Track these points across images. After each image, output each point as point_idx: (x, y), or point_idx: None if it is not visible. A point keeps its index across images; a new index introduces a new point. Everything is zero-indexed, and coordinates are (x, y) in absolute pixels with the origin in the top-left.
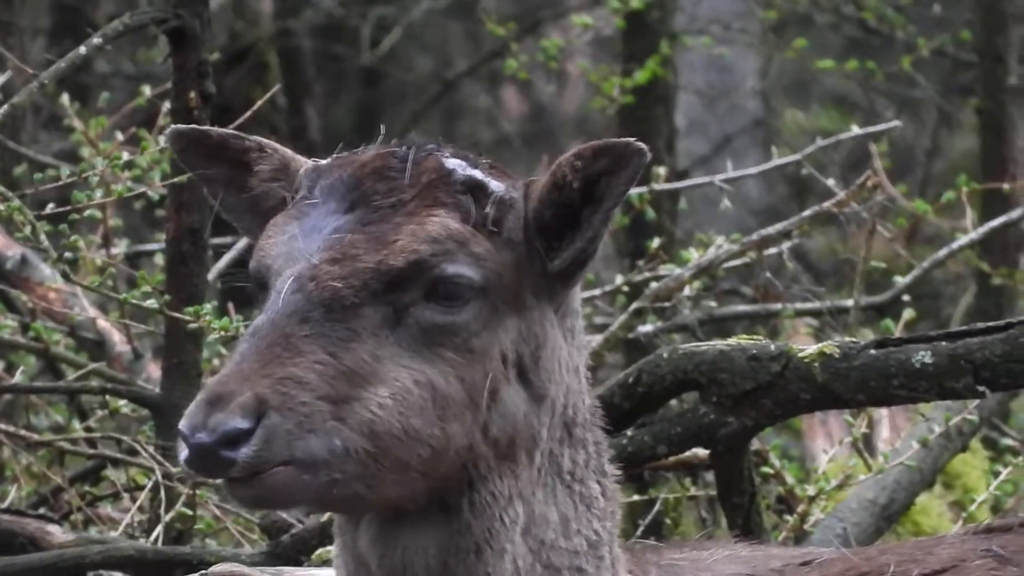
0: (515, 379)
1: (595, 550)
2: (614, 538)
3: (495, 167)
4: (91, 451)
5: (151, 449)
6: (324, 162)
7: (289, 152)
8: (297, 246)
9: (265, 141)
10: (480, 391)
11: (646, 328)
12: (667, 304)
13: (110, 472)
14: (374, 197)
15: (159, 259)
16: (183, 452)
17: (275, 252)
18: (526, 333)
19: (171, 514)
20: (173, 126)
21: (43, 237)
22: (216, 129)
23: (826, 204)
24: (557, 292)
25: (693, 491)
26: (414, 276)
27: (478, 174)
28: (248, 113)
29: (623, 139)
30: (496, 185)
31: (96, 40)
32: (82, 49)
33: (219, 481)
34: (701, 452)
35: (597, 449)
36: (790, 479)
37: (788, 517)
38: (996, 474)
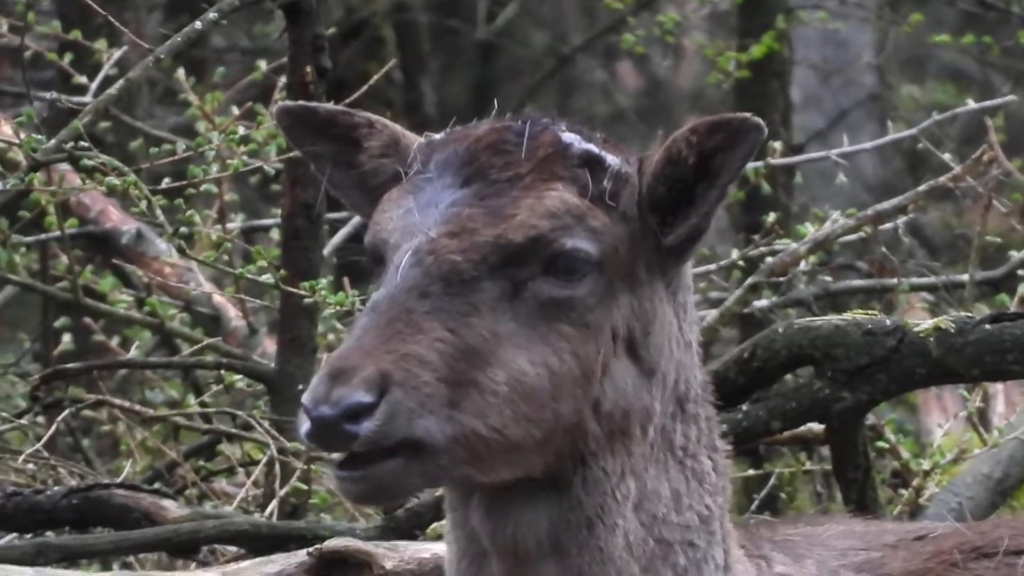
0: (624, 354)
1: (706, 525)
2: (725, 513)
3: (608, 141)
4: (206, 426)
5: (266, 424)
6: (438, 136)
7: (399, 128)
8: (414, 220)
9: (374, 117)
10: (593, 366)
11: (761, 303)
12: (782, 279)
13: (225, 447)
14: (490, 171)
15: (275, 234)
16: (304, 425)
17: (391, 226)
18: (637, 309)
19: (286, 489)
20: (280, 103)
21: (159, 212)
22: (324, 105)
23: (941, 179)
24: (669, 267)
25: (808, 466)
26: (533, 251)
27: (594, 148)
28: (364, 88)
29: (739, 114)
30: (612, 159)
31: (212, 15)
32: (198, 24)
33: (332, 470)
34: (816, 427)
35: (708, 424)
36: (905, 453)
37: (903, 491)
38: None
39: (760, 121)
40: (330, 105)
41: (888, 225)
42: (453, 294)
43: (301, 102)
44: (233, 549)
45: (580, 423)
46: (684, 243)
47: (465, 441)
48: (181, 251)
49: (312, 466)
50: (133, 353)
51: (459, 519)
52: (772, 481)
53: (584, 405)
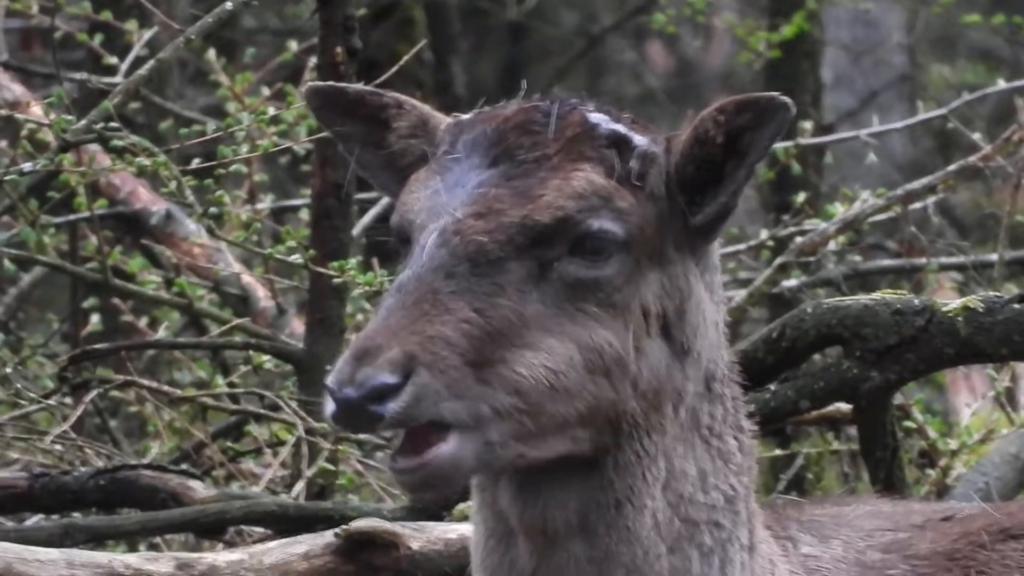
0: (657, 333)
1: (732, 505)
2: (750, 493)
3: (636, 121)
4: (234, 407)
5: (294, 405)
6: (466, 117)
7: (427, 108)
8: (440, 201)
9: (403, 97)
10: (625, 345)
11: (790, 282)
12: (812, 258)
13: (252, 428)
14: (518, 152)
15: (304, 214)
16: (329, 406)
17: (418, 207)
18: (669, 287)
19: (313, 469)
20: (310, 83)
21: (188, 192)
22: (353, 86)
23: (971, 158)
24: (698, 246)
25: (835, 445)
26: (560, 232)
27: (621, 128)
28: (394, 68)
29: (767, 93)
30: (639, 139)
31: None
32: (228, 4)
33: (365, 436)
34: (844, 407)
35: (734, 404)
36: (933, 433)
37: (930, 471)
38: None
39: (788, 100)
40: (359, 85)
41: (918, 205)
42: (479, 275)
43: (330, 82)
44: (260, 530)
45: (619, 401)
46: (712, 222)
47: (506, 414)
48: (211, 231)
49: (339, 447)
50: (161, 334)
51: (487, 499)
52: (799, 461)
53: (622, 383)
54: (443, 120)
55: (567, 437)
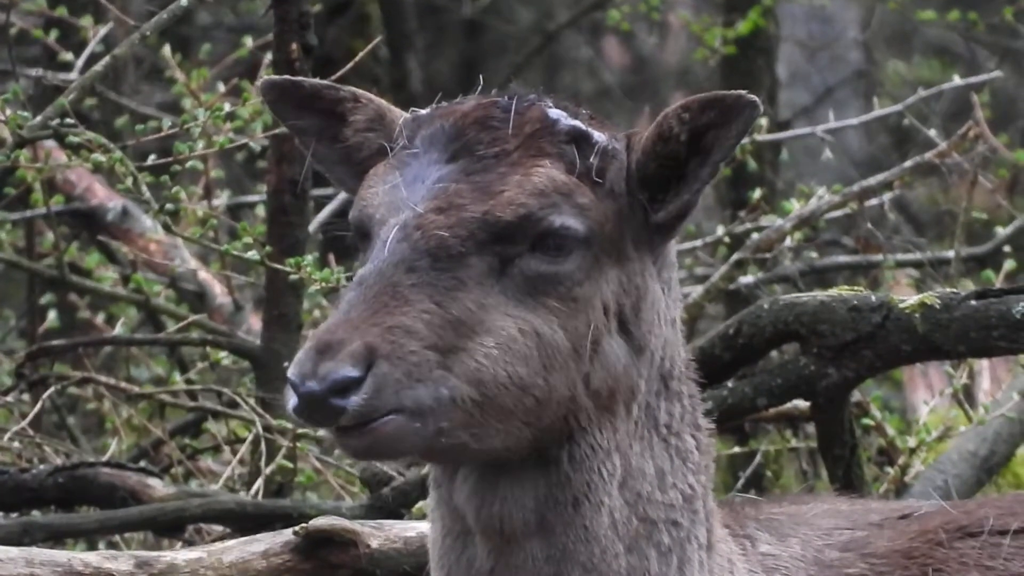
0: (616, 330)
1: (690, 504)
2: (708, 492)
3: (594, 118)
4: (192, 403)
5: (252, 401)
6: (424, 112)
7: (384, 102)
8: (400, 195)
9: (360, 91)
10: (583, 341)
11: (747, 279)
12: (768, 255)
13: (211, 425)
14: (477, 147)
15: (260, 210)
16: (291, 400)
17: (377, 201)
18: (627, 284)
19: (271, 467)
20: (265, 77)
21: (144, 188)
22: (309, 80)
23: (927, 155)
24: (657, 243)
25: (794, 443)
26: (521, 229)
27: (581, 124)
28: (349, 65)
29: (733, 91)
30: (599, 136)
31: None
32: (183, 1)
33: (325, 432)
34: (802, 404)
35: (692, 402)
36: (891, 431)
37: (889, 469)
38: None
39: (755, 98)
40: (315, 80)
41: (874, 201)
42: (440, 269)
43: (286, 76)
44: (219, 528)
45: (573, 397)
46: (673, 219)
47: (461, 403)
48: (167, 228)
49: (298, 444)
50: (119, 330)
51: (443, 496)
52: (758, 458)
53: (576, 379)
54: (400, 114)
55: (511, 432)
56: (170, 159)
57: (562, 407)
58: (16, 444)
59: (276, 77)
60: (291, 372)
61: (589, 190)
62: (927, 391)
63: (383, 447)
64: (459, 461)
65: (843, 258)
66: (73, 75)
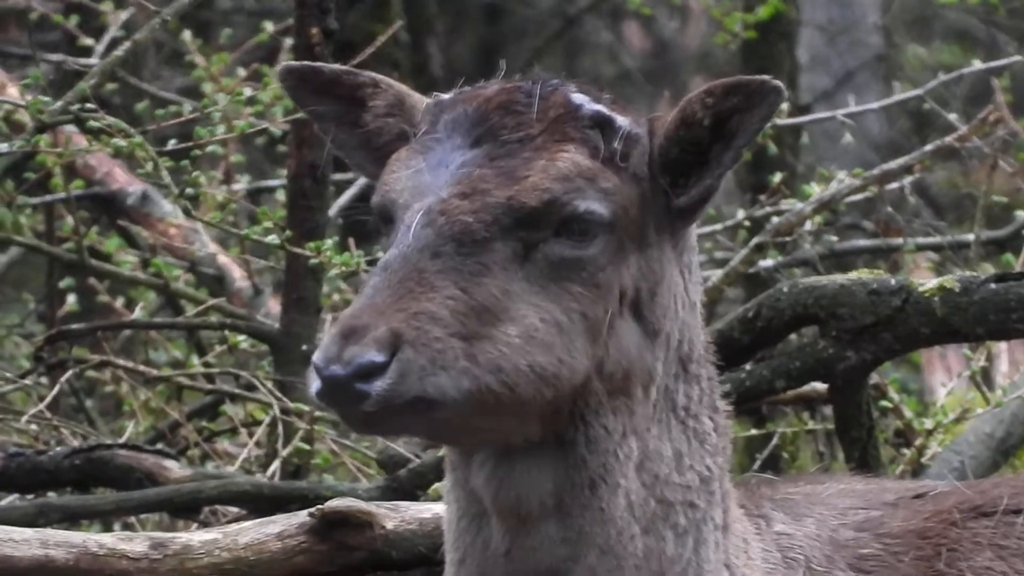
0: (629, 314)
1: (707, 485)
2: (725, 474)
3: (617, 102)
4: (209, 386)
5: (269, 384)
6: (446, 96)
7: (404, 87)
8: (424, 180)
9: (379, 76)
10: (601, 326)
11: (767, 263)
12: (788, 239)
13: (228, 407)
14: (501, 132)
15: (280, 195)
16: (315, 384)
17: (400, 186)
18: (645, 269)
19: (288, 449)
20: (284, 63)
21: (164, 173)
22: (328, 65)
23: (947, 139)
24: (678, 228)
25: (811, 425)
26: (546, 214)
27: (604, 109)
28: (370, 49)
29: (758, 76)
30: (622, 120)
31: None
32: None
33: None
34: (819, 386)
35: (710, 385)
36: (908, 413)
37: (905, 451)
38: None
39: (780, 84)
40: (335, 65)
41: (894, 185)
42: (465, 254)
43: (305, 62)
44: (235, 510)
45: (586, 382)
46: (695, 204)
47: (479, 393)
48: (187, 212)
49: (315, 427)
50: (137, 314)
51: (459, 479)
52: (775, 440)
53: (590, 364)
54: (420, 99)
55: (522, 419)
56: (190, 144)
57: (575, 392)
58: (33, 426)
59: (295, 63)
60: (316, 356)
61: (613, 175)
62: (945, 373)
63: (390, 424)
64: (466, 445)
65: (863, 242)
66: (93, 60)
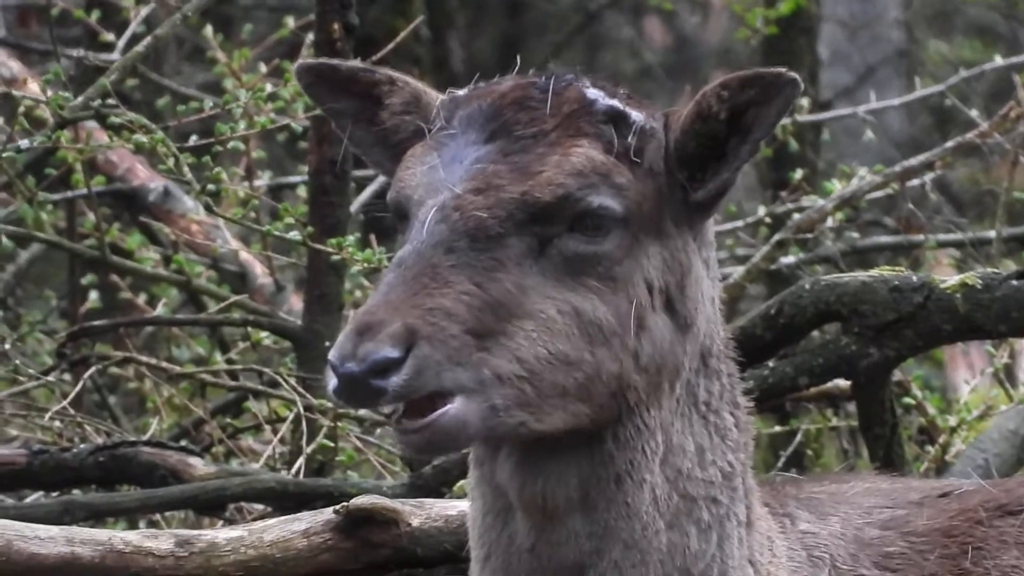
0: (661, 307)
1: (729, 481)
2: (747, 469)
3: (632, 97)
4: (232, 383)
5: (292, 381)
6: (461, 92)
7: (420, 84)
8: (438, 176)
9: (395, 74)
10: (626, 318)
11: (788, 259)
12: (809, 235)
13: (251, 404)
14: (515, 127)
15: (302, 191)
16: (332, 382)
17: (415, 182)
18: (671, 262)
19: (312, 446)
20: (301, 60)
21: (186, 169)
22: (345, 63)
23: (969, 135)
24: (697, 221)
25: (834, 422)
26: (560, 209)
27: (618, 104)
28: (391, 45)
29: (773, 69)
30: (636, 115)
31: None
32: None
33: (368, 412)
34: (842, 383)
35: (731, 380)
36: (931, 410)
37: (929, 448)
38: None
39: (795, 75)
40: (351, 62)
41: (915, 182)
42: (479, 250)
43: (322, 59)
44: (259, 507)
45: (622, 375)
46: (712, 198)
47: (507, 380)
48: (208, 208)
49: (339, 423)
50: (160, 310)
51: (485, 474)
52: (799, 437)
53: (624, 356)
54: (436, 96)
55: (568, 409)
56: (212, 140)
57: (611, 383)
58: (57, 423)
59: (312, 61)
60: (332, 354)
61: (627, 170)
62: (968, 370)
63: (444, 439)
64: (522, 440)
65: (884, 238)
66: (114, 56)
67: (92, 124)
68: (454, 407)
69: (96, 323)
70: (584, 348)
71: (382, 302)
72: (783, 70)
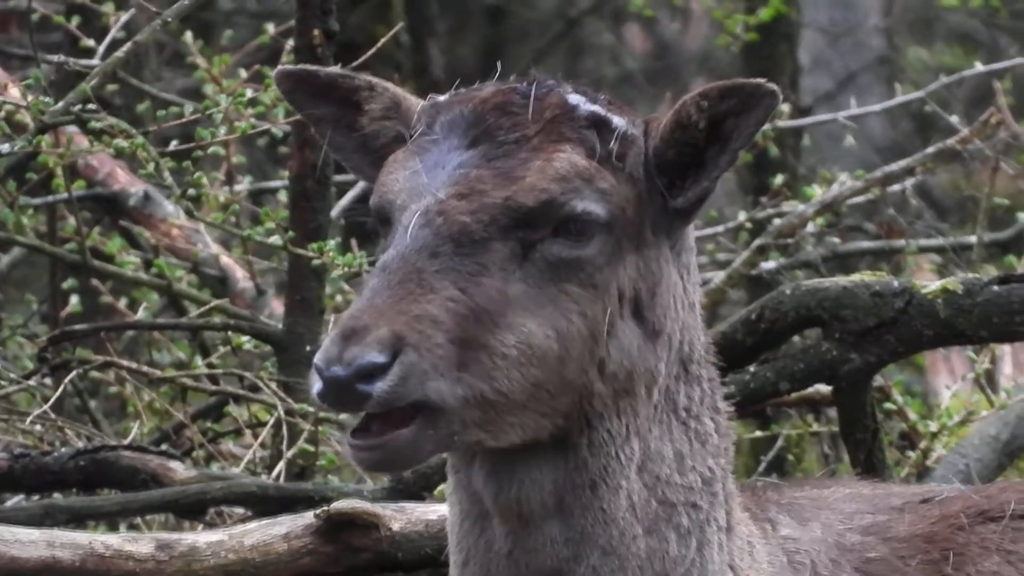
0: (629, 315)
1: (709, 486)
2: (728, 475)
3: (613, 103)
4: (213, 387)
5: (273, 385)
6: (442, 98)
7: (400, 90)
8: (421, 181)
9: (375, 79)
10: (600, 326)
11: (769, 264)
12: (790, 240)
13: (232, 408)
14: (497, 132)
15: (283, 196)
16: (316, 385)
17: (398, 187)
18: (643, 270)
19: (293, 450)
20: (280, 67)
21: (167, 174)
22: (324, 69)
23: (950, 141)
24: (676, 228)
25: (815, 427)
26: (544, 214)
27: (600, 109)
28: (372, 51)
29: (753, 80)
30: (618, 120)
31: None
32: None
33: (347, 417)
34: (823, 388)
35: (711, 385)
36: (912, 415)
37: (910, 453)
38: None
39: (775, 87)
40: (331, 68)
41: (896, 187)
42: (463, 254)
43: (301, 66)
44: (240, 511)
45: (586, 384)
46: (692, 205)
47: (475, 403)
48: (189, 213)
49: (319, 428)
50: (141, 315)
51: (461, 481)
52: (779, 443)
53: (590, 366)
54: (416, 102)
55: (528, 425)
56: (192, 145)
57: (577, 394)
58: (38, 427)
59: (291, 67)
60: (317, 357)
61: (610, 175)
62: (949, 376)
63: (397, 457)
64: (476, 452)
65: (865, 243)
66: (95, 61)
67: (73, 129)
68: (408, 430)
69: (77, 327)
70: (557, 365)
71: (367, 307)
72: (762, 81)
